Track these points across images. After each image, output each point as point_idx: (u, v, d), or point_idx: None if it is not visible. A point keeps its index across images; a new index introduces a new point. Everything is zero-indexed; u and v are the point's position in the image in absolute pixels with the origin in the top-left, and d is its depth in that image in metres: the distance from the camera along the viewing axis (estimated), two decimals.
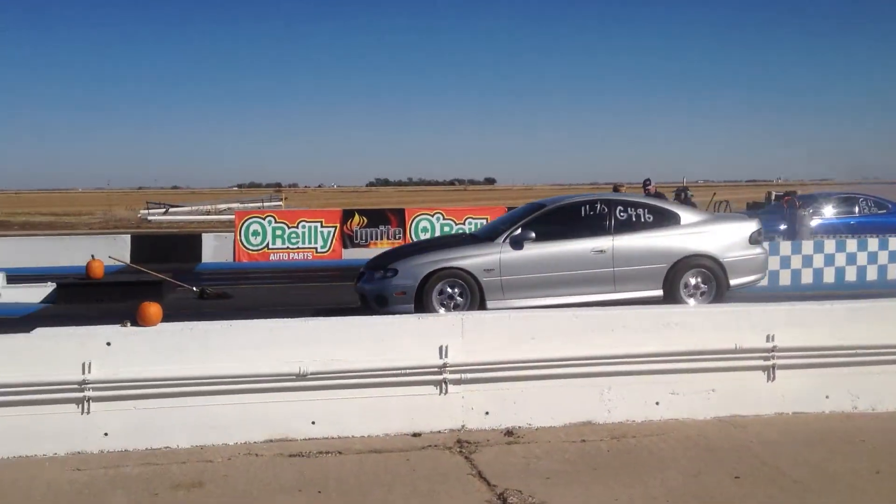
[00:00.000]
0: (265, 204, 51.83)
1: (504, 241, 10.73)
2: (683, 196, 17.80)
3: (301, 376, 6.68)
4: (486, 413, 6.92)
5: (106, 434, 6.42)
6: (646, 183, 16.25)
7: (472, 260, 10.61)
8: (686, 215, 11.31)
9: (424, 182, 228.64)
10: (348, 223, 22.63)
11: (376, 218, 23.05)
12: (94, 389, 6.43)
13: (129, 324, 6.80)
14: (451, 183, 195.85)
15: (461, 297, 10.50)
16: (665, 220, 11.08)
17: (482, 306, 10.39)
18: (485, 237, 11.30)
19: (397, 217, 23.20)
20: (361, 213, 23.28)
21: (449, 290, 10.50)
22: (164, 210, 53.47)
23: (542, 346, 7.06)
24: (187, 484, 5.69)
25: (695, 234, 10.96)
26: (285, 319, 7.10)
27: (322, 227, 22.55)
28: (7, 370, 6.35)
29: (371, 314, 9.24)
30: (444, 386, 6.90)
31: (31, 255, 20.63)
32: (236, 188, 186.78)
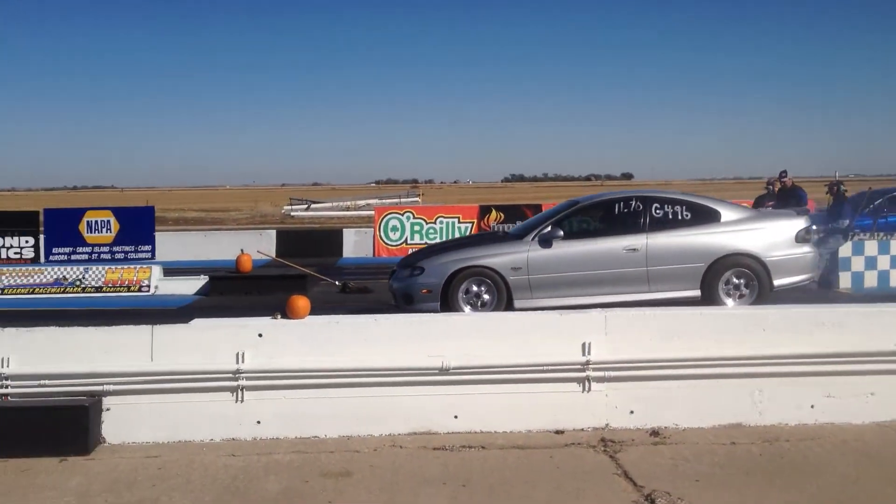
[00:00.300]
0: (402, 200, 52.63)
1: (533, 239, 10.49)
2: (837, 190, 16.85)
3: (444, 371, 6.74)
4: (631, 412, 6.79)
5: (258, 422, 6.67)
6: (782, 175, 15.38)
7: (499, 258, 10.41)
8: (727, 212, 10.75)
9: (560, 178, 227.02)
10: (485, 218, 22.67)
11: (513, 213, 22.99)
12: (247, 379, 6.68)
13: (279, 316, 7.04)
14: (588, 178, 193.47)
15: (488, 296, 10.32)
16: (704, 217, 10.59)
17: (509, 305, 10.18)
18: (515, 235, 11.08)
19: (534, 212, 22.99)
20: (498, 208, 23.30)
21: (475, 288, 10.34)
22: (306, 206, 55.10)
23: (688, 345, 6.87)
24: (336, 473, 5.83)
25: (735, 232, 10.45)
26: (428, 315, 7.18)
27: (459, 222, 22.69)
28: (167, 358, 6.69)
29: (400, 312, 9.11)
30: (587, 383, 6.81)
31: (185, 249, 21.68)
32: (374, 184, 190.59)
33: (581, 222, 10.92)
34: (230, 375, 6.67)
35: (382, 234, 22.54)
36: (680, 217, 10.52)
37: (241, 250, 16.62)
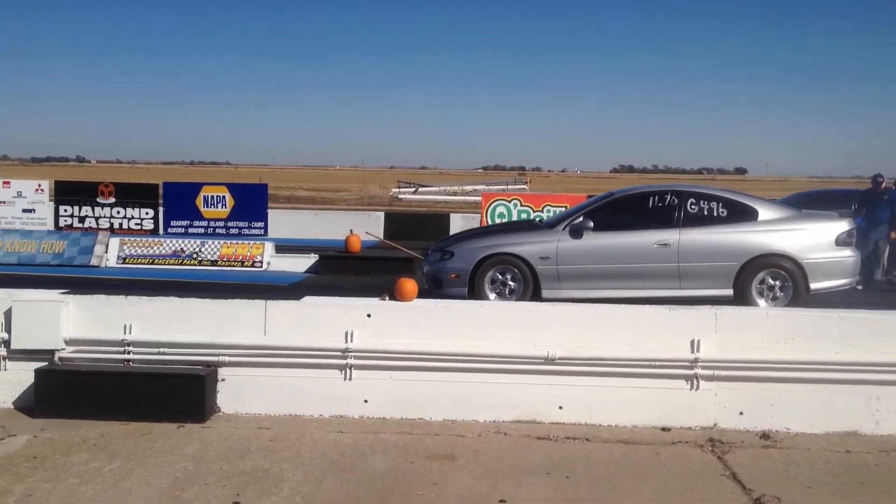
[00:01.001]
0: (509, 187, 52.42)
1: (563, 229, 10.31)
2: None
3: (549, 360, 6.72)
4: (741, 413, 6.64)
5: (366, 401, 6.80)
6: (876, 178, 14.17)
7: (528, 247, 10.24)
8: (765, 211, 10.28)
9: (671, 170, 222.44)
10: None
11: None
12: (356, 358, 6.82)
13: (387, 297, 7.14)
14: (699, 172, 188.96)
15: (514, 284, 10.15)
16: (740, 214, 10.18)
17: (536, 295, 9.99)
18: (548, 225, 10.86)
19: None
20: None
21: (503, 275, 10.22)
22: (413, 189, 55.55)
23: (802, 347, 6.67)
24: (440, 456, 5.89)
25: (772, 232, 10.02)
26: (535, 303, 7.16)
27: None
28: (280, 333, 6.88)
29: (434, 296, 9.02)
30: (695, 381, 6.69)
31: (296, 227, 22.14)
32: (481, 170, 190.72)
33: (614, 214, 10.63)
34: (339, 353, 6.82)
35: (489, 219, 22.45)
36: (716, 214, 10.22)
37: (350, 231, 16.88)
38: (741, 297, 9.77)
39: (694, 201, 10.27)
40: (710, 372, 6.67)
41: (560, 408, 6.73)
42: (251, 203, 21.22)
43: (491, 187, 52.72)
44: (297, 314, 6.96)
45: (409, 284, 7.14)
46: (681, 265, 9.96)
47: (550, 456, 5.95)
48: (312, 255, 15.85)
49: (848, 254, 10.11)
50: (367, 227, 19.59)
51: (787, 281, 9.85)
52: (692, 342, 6.68)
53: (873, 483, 5.53)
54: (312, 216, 25.18)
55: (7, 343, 6.86)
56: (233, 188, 21.35)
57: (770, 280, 9.90)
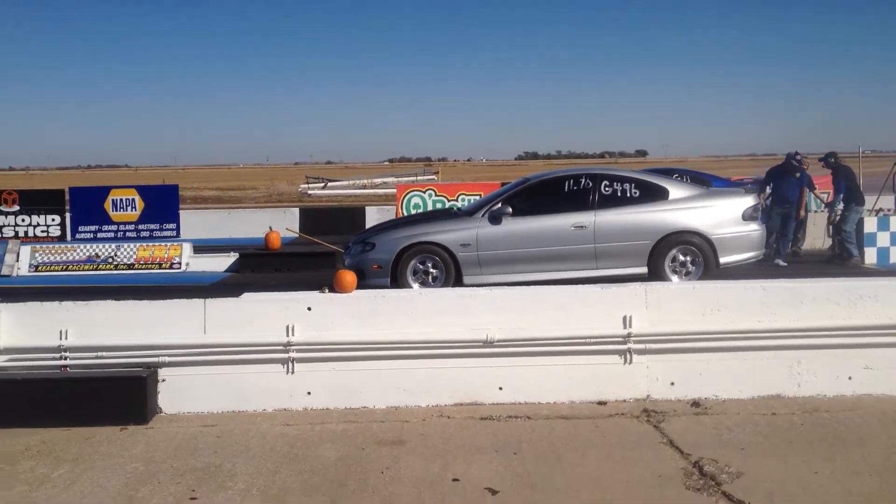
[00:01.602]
0: (418, 178, 52.55)
1: (483, 216, 10.67)
2: (833, 162, 15.47)
3: (488, 343, 6.90)
4: (672, 384, 6.94)
5: (309, 393, 6.86)
6: (793, 156, 14.48)
7: (448, 235, 10.58)
8: (675, 190, 10.86)
9: (574, 154, 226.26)
10: None
11: None
12: (298, 351, 6.87)
13: (327, 290, 7.20)
14: (602, 155, 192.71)
15: (436, 272, 10.49)
16: (652, 195, 10.72)
17: (458, 282, 10.32)
18: (467, 213, 11.22)
19: None
20: None
21: (424, 264, 10.55)
22: (322, 184, 55.17)
23: (728, 318, 7.01)
24: (389, 441, 6.01)
25: (682, 210, 10.59)
26: (473, 288, 7.33)
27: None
28: (220, 331, 6.88)
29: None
30: (628, 356, 6.96)
31: (208, 227, 21.87)
32: (387, 162, 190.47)
33: (531, 199, 10.98)
34: (281, 348, 6.86)
35: (404, 211, 22.58)
36: (629, 194, 10.66)
37: (270, 228, 16.80)
38: (655, 274, 10.23)
39: (608, 183, 10.66)
40: (641, 346, 6.95)
41: (500, 388, 6.91)
42: (162, 205, 20.78)
43: (400, 179, 52.80)
44: (236, 311, 6.97)
45: (349, 276, 7.23)
46: (597, 246, 10.35)
47: (496, 435, 6.13)
48: (232, 253, 15.74)
49: (754, 228, 10.68)
50: (282, 224, 19.43)
51: (698, 256, 10.34)
52: (624, 318, 6.95)
53: (801, 441, 5.87)
54: (225, 215, 24.88)
55: None
56: (142, 190, 20.87)
57: (682, 256, 10.37)
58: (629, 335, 6.94)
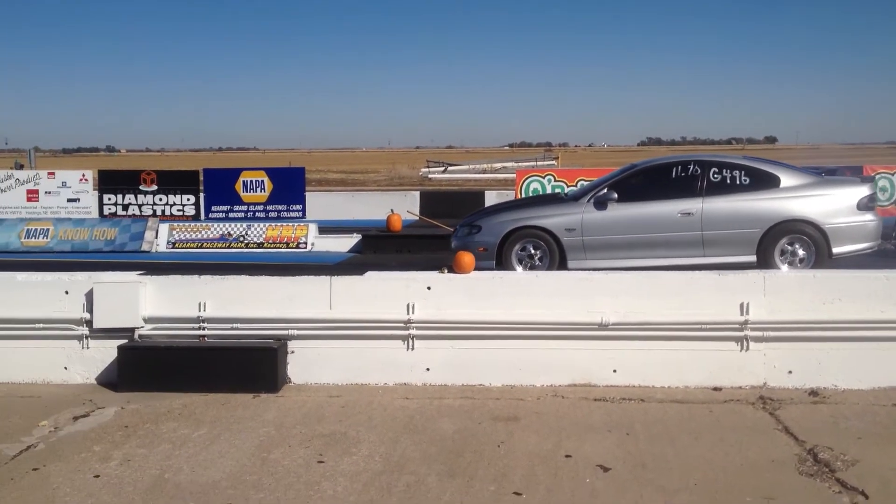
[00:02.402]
0: (538, 163, 52.47)
1: (588, 201, 10.64)
2: None
3: (603, 326, 7.02)
4: (789, 372, 6.90)
5: (427, 369, 7.14)
6: None
7: (554, 219, 10.58)
8: (787, 178, 10.51)
9: (699, 141, 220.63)
10: None
11: None
12: (417, 328, 7.15)
13: (446, 270, 7.46)
14: (729, 142, 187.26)
15: (541, 256, 10.47)
16: (763, 182, 10.44)
17: (562, 266, 10.26)
18: (573, 198, 11.16)
19: None
20: None
21: (529, 248, 10.57)
22: (443, 168, 55.81)
23: (849, 308, 6.91)
24: (504, 417, 6.22)
25: (794, 199, 10.27)
26: (589, 272, 7.44)
27: None
28: (344, 307, 7.23)
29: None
30: (745, 343, 6.95)
31: (332, 209, 22.49)
32: (507, 147, 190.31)
33: (637, 186, 10.93)
34: (401, 325, 7.15)
35: (523, 195, 22.74)
36: (738, 182, 10.46)
37: (392, 210, 17.23)
38: (764, 263, 10.09)
39: (717, 170, 10.56)
40: (759, 333, 6.93)
41: (614, 371, 7.03)
42: (289, 186, 21.58)
43: (520, 164, 52.76)
44: (360, 288, 7.30)
45: (468, 257, 7.46)
46: (704, 233, 10.28)
47: (609, 415, 6.26)
48: (355, 234, 16.24)
49: (870, 218, 10.38)
50: (403, 207, 19.90)
51: (810, 246, 10.14)
52: (741, 305, 6.94)
53: None
54: (349, 197, 25.58)
55: (90, 322, 7.27)
56: (271, 172, 21.71)
57: (793, 245, 10.18)
58: (746, 322, 6.93)
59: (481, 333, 7.16)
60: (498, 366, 7.12)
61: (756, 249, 10.19)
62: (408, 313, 7.15)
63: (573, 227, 10.51)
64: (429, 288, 7.25)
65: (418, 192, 24.55)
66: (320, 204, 22.76)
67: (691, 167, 10.66)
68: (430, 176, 51.81)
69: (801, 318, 6.93)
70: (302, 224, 16.74)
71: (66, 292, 7.36)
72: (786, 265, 10.09)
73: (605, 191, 10.66)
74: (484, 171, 54.21)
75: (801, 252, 10.15)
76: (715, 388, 6.86)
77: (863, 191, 10.43)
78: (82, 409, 6.60)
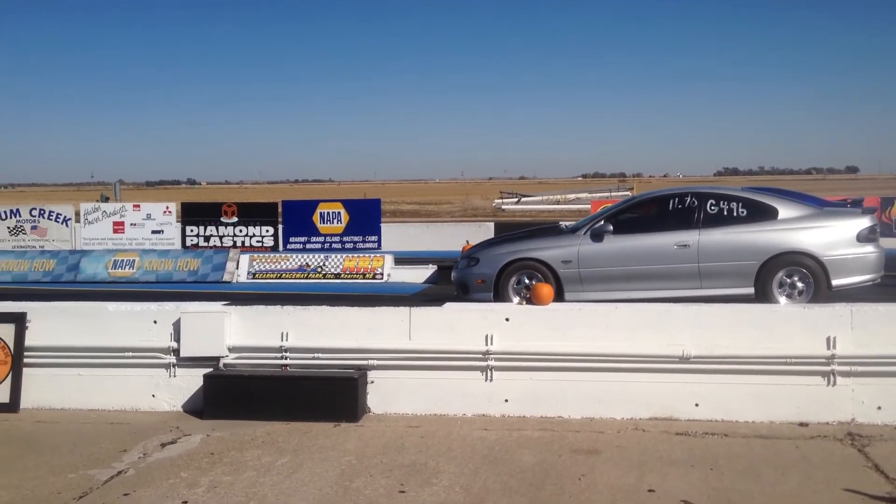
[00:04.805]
0: (612, 194, 52.17)
1: (585, 233, 10.63)
2: None
3: (684, 359, 6.94)
4: (878, 408, 6.71)
5: (506, 400, 7.14)
6: None
7: (550, 251, 10.61)
8: (785, 210, 10.32)
9: (777, 171, 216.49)
10: None
11: None
12: (496, 360, 7.18)
13: (524, 302, 7.48)
14: (808, 172, 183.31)
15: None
16: (761, 214, 10.32)
17: (559, 298, 10.09)
18: (571, 230, 11.13)
19: None
20: None
21: (526, 280, 10.53)
22: (516, 199, 55.93)
23: None
24: (585, 450, 6.19)
25: (792, 231, 10.14)
26: (668, 304, 7.36)
27: None
28: (423, 338, 7.29)
29: (460, 301, 9.21)
30: (832, 377, 6.79)
31: (406, 240, 22.76)
32: (581, 178, 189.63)
33: (634, 217, 10.97)
34: (480, 356, 7.19)
35: None
36: (735, 213, 10.38)
37: (467, 241, 17.33)
38: (762, 295, 10.04)
39: (714, 202, 10.53)
40: (846, 368, 6.77)
41: (696, 405, 6.93)
42: (365, 218, 21.85)
43: (594, 195, 52.57)
44: (439, 319, 7.36)
45: (545, 289, 7.47)
46: (701, 265, 10.24)
47: (692, 450, 6.17)
48: (430, 265, 16.36)
49: (870, 250, 10.21)
50: (477, 238, 19.91)
51: (809, 278, 10.05)
52: (828, 339, 6.79)
53: None
54: (423, 228, 25.79)
55: (177, 351, 7.48)
56: (347, 204, 22.04)
57: (791, 277, 10.04)
58: (833, 356, 6.78)
59: (560, 365, 7.14)
60: (577, 398, 7.09)
61: (754, 281, 10.11)
62: (486, 344, 7.19)
63: (569, 259, 10.57)
64: (507, 319, 7.27)
65: (492, 224, 24.67)
66: (395, 235, 23.02)
67: (688, 199, 10.67)
68: (503, 207, 51.99)
69: (891, 353, 6.75)
70: (378, 255, 16.96)
71: (155, 322, 7.60)
72: (784, 298, 10.01)
73: (602, 223, 10.71)
74: (557, 202, 54.14)
75: (799, 284, 10.06)
76: (801, 424, 6.71)
77: (863, 222, 10.30)
78: (170, 436, 6.78)
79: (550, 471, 5.76)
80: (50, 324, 7.76)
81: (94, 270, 17.15)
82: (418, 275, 16.25)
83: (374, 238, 21.58)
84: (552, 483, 5.53)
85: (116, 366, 7.62)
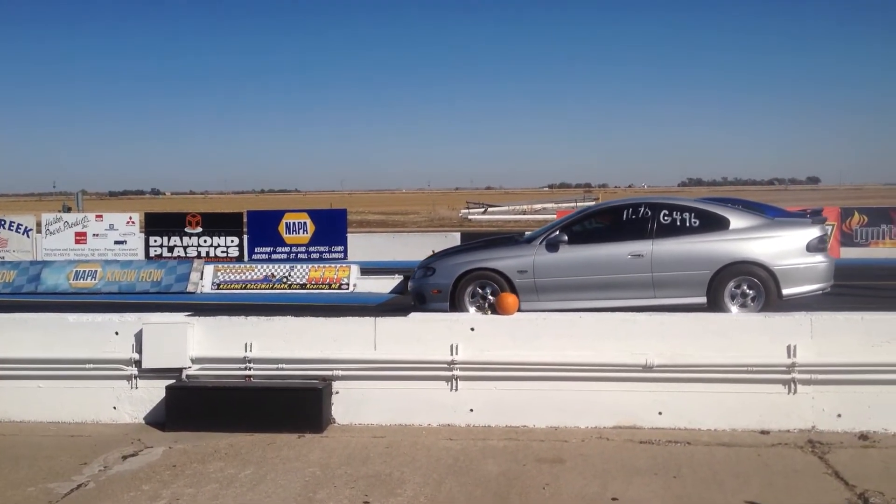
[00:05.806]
0: (578, 204, 52.47)
1: (540, 243, 10.69)
2: None
3: (647, 368, 6.99)
4: (839, 416, 6.80)
5: (471, 410, 7.15)
6: None
7: (505, 261, 10.66)
8: (736, 220, 10.49)
9: (740, 181, 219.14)
10: None
11: None
12: (461, 369, 7.19)
13: (489, 312, 7.49)
14: (771, 182, 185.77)
15: (493, 298, 10.26)
16: (713, 224, 10.44)
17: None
18: (526, 240, 11.19)
19: None
20: None
21: (482, 290, 10.61)
22: (482, 210, 56.10)
23: None
24: (549, 459, 6.20)
25: (743, 240, 10.26)
26: (632, 314, 7.42)
27: None
28: (388, 348, 7.28)
29: (416, 311, 9.22)
30: (792, 385, 6.88)
31: (373, 250, 22.69)
32: (547, 188, 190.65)
33: (589, 228, 11.06)
34: (445, 366, 7.19)
35: None
36: (688, 224, 10.48)
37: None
38: (714, 304, 10.12)
39: (667, 213, 10.61)
40: (807, 376, 6.86)
41: (660, 413, 6.98)
42: (331, 228, 21.74)
43: (560, 205, 52.87)
44: (404, 329, 7.36)
45: (510, 299, 7.49)
46: (654, 275, 10.33)
47: (655, 458, 6.21)
48: (397, 276, 16.31)
49: (820, 259, 10.34)
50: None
51: (759, 287, 10.11)
52: (788, 347, 6.88)
53: None
54: (389, 239, 25.74)
55: (139, 363, 7.40)
56: (313, 214, 21.92)
57: (742, 287, 10.17)
58: (793, 365, 6.87)
59: (525, 375, 7.17)
60: (542, 407, 7.11)
61: (706, 291, 10.21)
62: (451, 354, 7.19)
63: (525, 268, 10.60)
64: (472, 329, 7.28)
65: (458, 234, 24.68)
66: (361, 245, 22.95)
67: (642, 209, 10.74)
68: (469, 217, 52.10)
69: (850, 361, 6.85)
70: (344, 265, 16.90)
71: (116, 333, 7.52)
72: (736, 307, 10.09)
73: (557, 233, 10.75)
74: (524, 212, 54.38)
75: (750, 293, 10.15)
76: (762, 432, 6.78)
77: (813, 232, 10.44)
78: (131, 448, 6.70)
79: (515, 480, 5.77)
80: (9, 336, 7.64)
81: (56, 281, 16.90)
82: (384, 285, 16.19)
83: (340, 248, 21.48)
84: (517, 493, 5.54)
85: (77, 378, 7.51)
